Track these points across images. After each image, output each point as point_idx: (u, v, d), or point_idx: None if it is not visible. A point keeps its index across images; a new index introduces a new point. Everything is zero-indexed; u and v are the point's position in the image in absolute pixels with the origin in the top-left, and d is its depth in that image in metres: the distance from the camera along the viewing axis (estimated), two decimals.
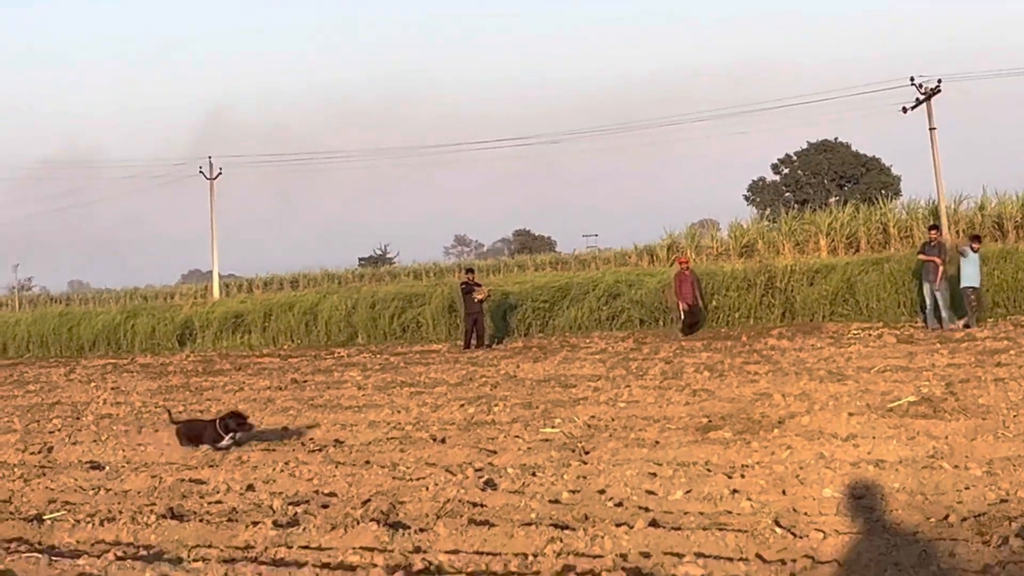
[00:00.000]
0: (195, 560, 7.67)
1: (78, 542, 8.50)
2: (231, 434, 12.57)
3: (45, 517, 9.45)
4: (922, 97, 40.57)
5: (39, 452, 13.55)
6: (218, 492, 10.39)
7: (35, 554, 7.99)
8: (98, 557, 7.72)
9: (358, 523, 8.48)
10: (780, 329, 27.51)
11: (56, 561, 7.65)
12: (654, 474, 9.74)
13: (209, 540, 8.37)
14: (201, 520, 9.06)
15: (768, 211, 67.71)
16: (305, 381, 21.77)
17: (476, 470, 10.58)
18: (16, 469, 12.34)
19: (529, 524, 8.15)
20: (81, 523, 9.03)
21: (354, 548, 7.75)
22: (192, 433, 13.01)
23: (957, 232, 35.60)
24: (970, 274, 24.00)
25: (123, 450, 13.33)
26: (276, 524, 8.56)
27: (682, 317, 27.08)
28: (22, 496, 10.63)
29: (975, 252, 24.47)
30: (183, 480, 11.21)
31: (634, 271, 37.39)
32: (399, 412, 15.61)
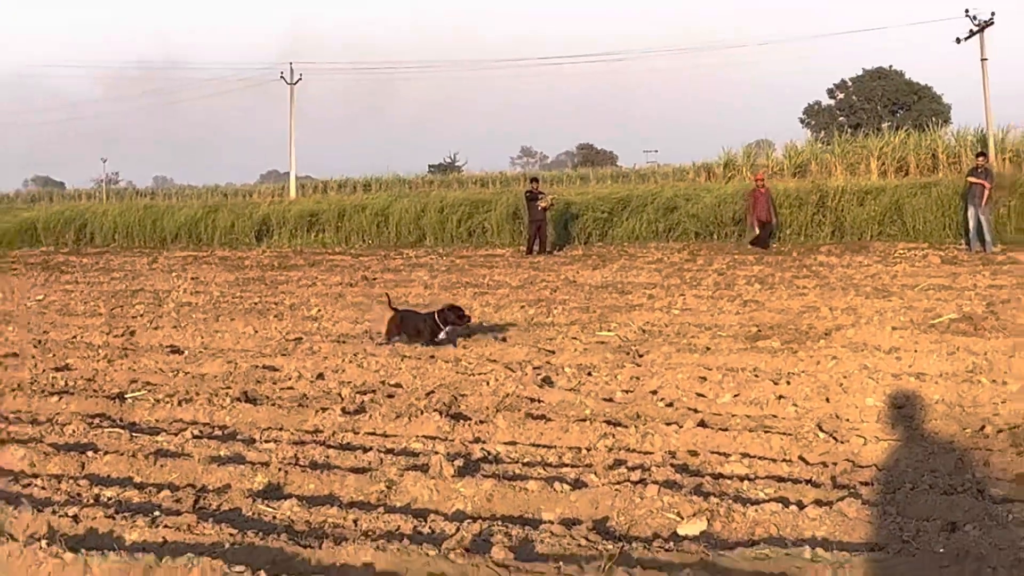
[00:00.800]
0: (267, 441, 7.94)
1: (157, 420, 8.87)
2: (448, 327, 11.97)
3: (127, 396, 9.79)
4: (976, 29, 39.81)
5: (122, 335, 13.89)
6: (290, 379, 10.60)
7: (117, 429, 8.37)
8: (176, 435, 8.08)
9: (421, 413, 8.64)
10: (829, 247, 27.35)
11: (136, 437, 8.02)
12: (704, 378, 9.85)
13: (280, 423, 8.66)
14: (273, 404, 9.33)
15: (822, 134, 67.24)
16: (375, 279, 22.01)
17: (535, 368, 10.68)
18: (100, 350, 12.71)
19: (583, 420, 8.34)
20: (160, 403, 9.37)
21: (417, 436, 7.97)
22: (409, 322, 12.37)
23: (1004, 160, 34.84)
24: None
25: (201, 336, 13.66)
26: (344, 411, 8.77)
27: (756, 231, 26.84)
28: (106, 375, 10.96)
29: None
30: (257, 367, 11.42)
31: (691, 186, 37.23)
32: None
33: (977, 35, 39.72)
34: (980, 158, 26.06)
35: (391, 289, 18.54)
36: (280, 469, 7.12)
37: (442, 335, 11.88)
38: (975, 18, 39.47)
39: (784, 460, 7.04)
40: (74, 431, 8.32)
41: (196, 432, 8.43)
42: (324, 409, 9.25)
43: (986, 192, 23.50)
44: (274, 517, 6.11)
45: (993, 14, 39.50)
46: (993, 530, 5.25)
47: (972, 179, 24.16)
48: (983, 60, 39.75)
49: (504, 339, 12.75)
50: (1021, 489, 6.37)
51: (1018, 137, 37.76)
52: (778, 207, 29.07)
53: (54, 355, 12.69)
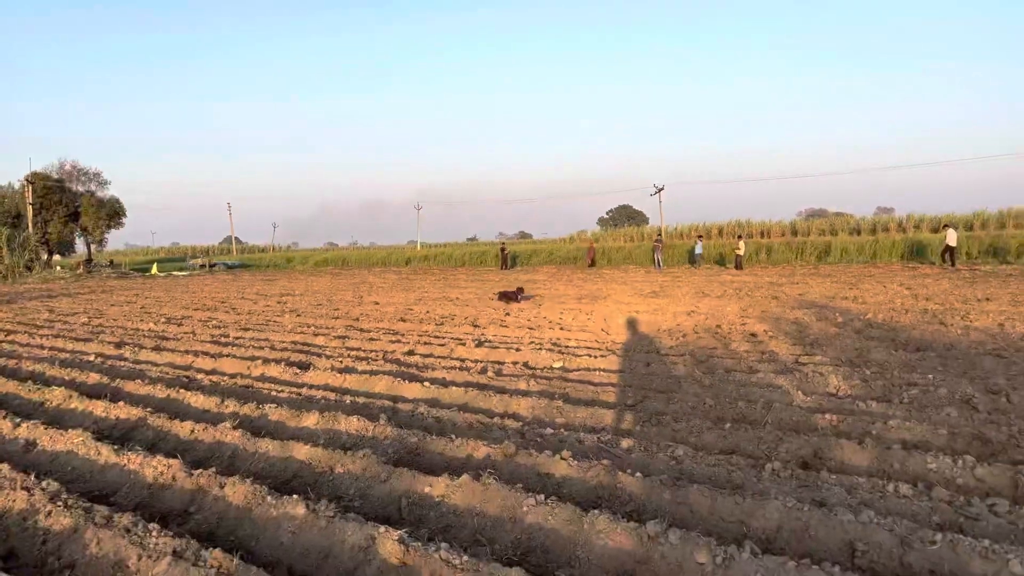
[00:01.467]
0: (408, 333, 11.82)
1: (374, 327, 13.15)
2: (520, 295, 17.93)
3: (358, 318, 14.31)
4: (658, 189, 51.21)
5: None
6: (414, 313, 15.38)
7: (356, 331, 12.59)
8: (374, 331, 12.34)
9: (462, 324, 12.79)
10: (615, 269, 34.18)
11: (363, 332, 12.24)
12: (562, 313, 14.29)
13: (413, 329, 12.60)
14: (411, 322, 13.53)
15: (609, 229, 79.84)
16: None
17: (505, 312, 15.50)
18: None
19: (520, 327, 12.36)
20: (377, 319, 13.81)
21: (460, 334, 11.89)
22: (505, 294, 18.28)
23: (671, 238, 46.05)
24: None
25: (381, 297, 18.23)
26: (435, 324, 13.12)
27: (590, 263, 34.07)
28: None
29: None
30: (401, 311, 16.39)
31: (562, 244, 43.67)
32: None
33: (658, 192, 50.54)
34: (658, 236, 36.62)
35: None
36: (415, 344, 10.90)
37: (519, 298, 17.55)
38: (657, 186, 50.48)
39: (592, 342, 10.74)
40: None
41: (385, 329, 12.41)
42: (422, 322, 13.41)
43: (662, 246, 33.74)
44: (410, 360, 9.54)
45: (663, 187, 50.88)
46: (656, 364, 8.84)
47: (656, 243, 34.59)
48: (660, 201, 50.62)
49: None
50: (670, 351, 9.97)
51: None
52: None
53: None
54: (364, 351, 10.54)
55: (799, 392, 6.79)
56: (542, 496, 4.07)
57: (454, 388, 7.46)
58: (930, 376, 7.27)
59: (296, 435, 5.91)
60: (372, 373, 8.58)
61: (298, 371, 8.88)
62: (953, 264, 25.17)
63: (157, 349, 11.19)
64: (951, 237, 25.62)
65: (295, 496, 4.15)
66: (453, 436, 5.45)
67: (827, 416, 5.74)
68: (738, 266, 30.67)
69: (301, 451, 5.16)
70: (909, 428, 5.33)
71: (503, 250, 40.13)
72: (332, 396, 7.42)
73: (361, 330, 12.88)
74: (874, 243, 33.43)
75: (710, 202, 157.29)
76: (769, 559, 3.22)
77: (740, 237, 34.01)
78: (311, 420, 6.16)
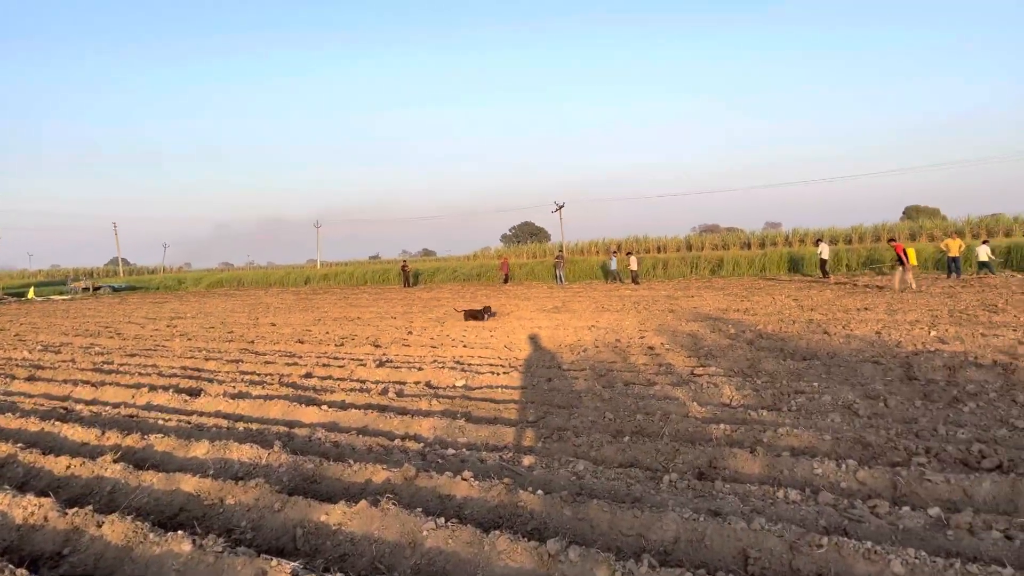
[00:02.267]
0: (307, 355, 11.59)
1: (270, 349, 12.65)
2: (487, 314, 16.99)
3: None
4: (559, 206, 53.60)
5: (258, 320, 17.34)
6: (316, 337, 14.85)
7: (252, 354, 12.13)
8: (269, 352, 12.08)
9: (362, 344, 12.56)
10: (517, 285, 34.76)
11: (258, 355, 11.91)
12: (465, 330, 14.36)
13: (314, 351, 12.29)
14: (311, 343, 13.31)
15: (515, 244, 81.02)
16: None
17: (408, 331, 15.22)
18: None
19: (422, 345, 12.26)
20: (276, 341, 13.24)
21: (360, 353, 11.71)
22: (471, 312, 17.29)
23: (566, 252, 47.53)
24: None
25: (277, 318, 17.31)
26: (335, 344, 12.82)
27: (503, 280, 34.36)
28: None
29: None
30: (301, 332, 15.77)
31: (461, 261, 43.56)
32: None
33: (559, 209, 52.74)
34: (559, 252, 37.69)
35: None
36: (313, 366, 10.59)
37: (486, 318, 16.75)
38: (558, 203, 52.48)
39: (495, 359, 10.74)
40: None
41: (281, 351, 12.19)
42: (321, 343, 13.11)
43: (563, 262, 34.62)
44: (307, 383, 9.37)
45: (564, 204, 53.21)
46: (558, 379, 8.98)
47: (557, 259, 35.16)
48: (561, 218, 52.70)
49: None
50: (571, 365, 9.99)
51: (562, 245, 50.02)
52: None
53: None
54: (259, 375, 10.20)
55: (695, 403, 6.97)
56: (442, 519, 3.99)
57: (353, 411, 7.29)
58: (815, 384, 7.61)
59: (184, 466, 5.61)
60: (267, 398, 8.29)
61: (188, 398, 8.51)
62: (825, 275, 26.58)
63: (31, 379, 10.48)
64: (824, 251, 27.08)
65: (181, 532, 3.92)
66: (351, 461, 5.30)
67: (721, 426, 5.91)
68: (634, 280, 31.45)
69: (189, 483, 4.90)
70: (797, 435, 5.55)
71: (404, 268, 39.71)
72: (224, 423, 7.12)
73: (256, 353, 12.47)
74: (763, 257, 34.97)
75: (610, 218, 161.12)
76: (667, 572, 3.26)
77: (630, 253, 34.96)
78: (201, 450, 5.87)
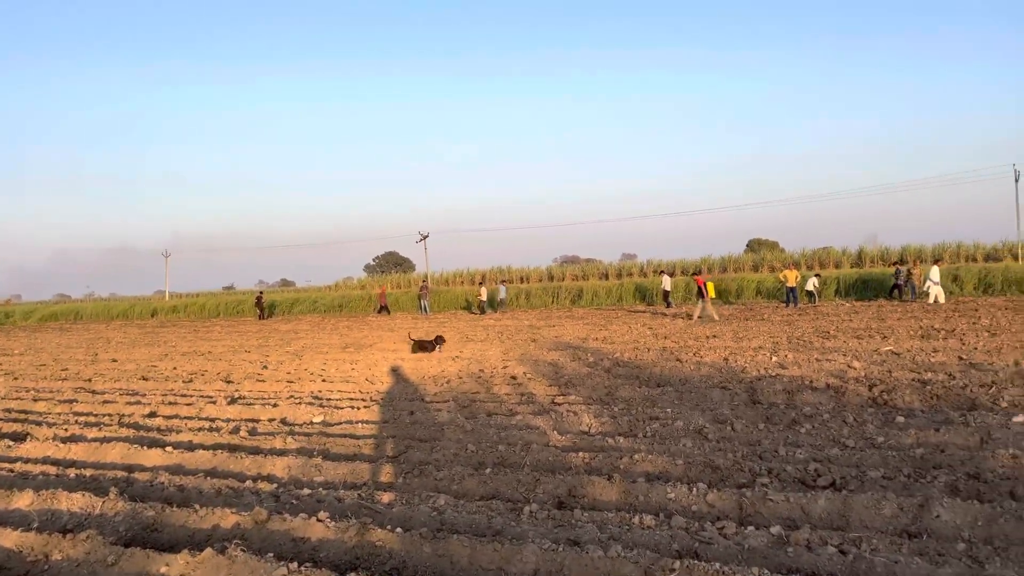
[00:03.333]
0: (151, 392, 10.92)
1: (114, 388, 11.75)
2: (438, 344, 15.57)
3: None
4: (423, 236, 53.86)
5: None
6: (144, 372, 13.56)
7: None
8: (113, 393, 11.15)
9: (213, 381, 12.02)
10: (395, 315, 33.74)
11: (106, 394, 10.91)
12: (324, 365, 13.88)
13: (156, 388, 11.53)
14: (155, 379, 12.40)
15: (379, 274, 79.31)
16: None
17: (254, 364, 14.78)
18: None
19: (278, 380, 11.89)
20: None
21: (211, 390, 11.14)
22: (421, 343, 15.86)
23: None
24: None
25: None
26: (183, 382, 12.10)
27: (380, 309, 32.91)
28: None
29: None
30: (146, 368, 14.41)
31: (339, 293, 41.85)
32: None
33: (424, 239, 52.88)
34: (424, 282, 36.31)
35: None
36: (158, 405, 9.98)
37: (437, 349, 15.53)
38: (423, 233, 52.76)
39: (355, 393, 10.53)
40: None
41: (123, 390, 11.28)
42: (168, 380, 12.35)
43: (428, 292, 34.93)
44: (151, 423, 8.86)
45: (428, 234, 53.40)
46: (420, 412, 8.92)
47: (422, 289, 34.62)
48: (425, 248, 53.13)
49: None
50: (435, 397, 9.97)
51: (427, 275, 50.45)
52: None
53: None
54: (96, 415, 9.49)
55: (555, 432, 7.07)
56: (295, 563, 3.82)
57: (201, 451, 6.88)
58: (669, 410, 7.92)
59: (4, 520, 5.07)
60: (104, 440, 7.72)
61: (11, 443, 7.83)
62: (668, 305, 27.93)
63: None
64: (666, 282, 28.53)
65: None
66: (198, 506, 4.96)
67: (580, 454, 6.02)
68: (489, 309, 31.86)
69: (9, 538, 4.44)
70: (652, 461, 5.73)
71: (259, 299, 38.07)
72: (53, 470, 6.55)
73: (94, 392, 11.59)
74: (620, 287, 36.28)
75: (474, 249, 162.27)
76: None
77: (481, 284, 35.47)
78: (24, 500, 5.34)
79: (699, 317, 21.23)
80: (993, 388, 8.23)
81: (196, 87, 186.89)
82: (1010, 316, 16.98)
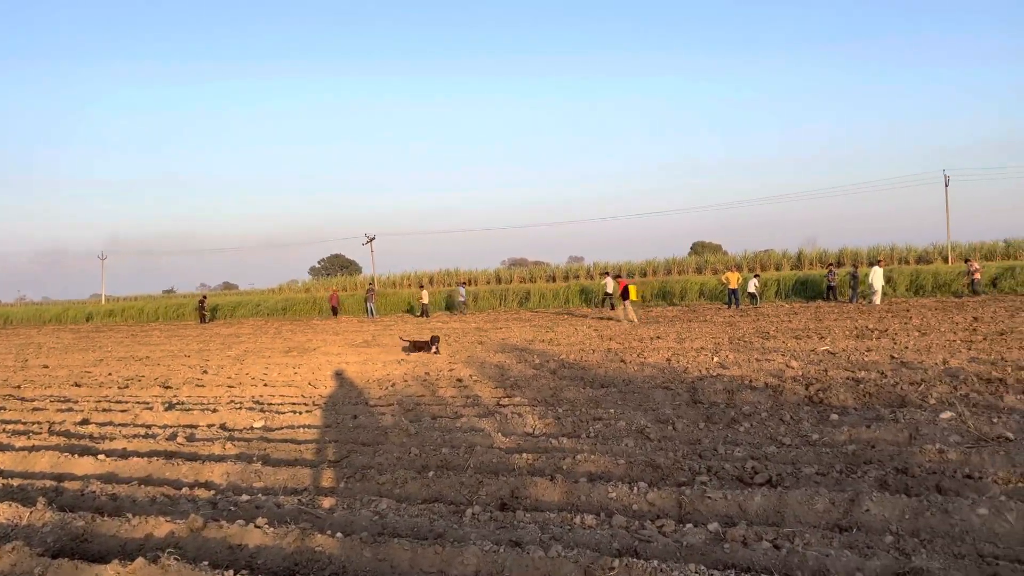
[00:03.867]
0: (80, 399, 10.54)
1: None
2: (435, 345, 15.21)
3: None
4: (369, 239, 54.24)
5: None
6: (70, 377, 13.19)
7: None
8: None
9: (150, 386, 11.68)
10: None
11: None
12: (267, 369, 13.70)
13: (89, 395, 11.22)
14: (91, 386, 11.99)
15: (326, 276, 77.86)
16: None
17: (191, 366, 14.42)
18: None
19: (219, 385, 11.71)
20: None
21: (146, 396, 10.94)
22: (417, 342, 15.68)
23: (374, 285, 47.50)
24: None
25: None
26: (119, 387, 11.62)
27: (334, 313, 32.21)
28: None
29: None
30: (127, 360, 13.78)
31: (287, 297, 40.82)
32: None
33: (370, 242, 52.95)
34: (371, 285, 36.78)
35: None
36: (91, 412, 9.77)
37: (434, 349, 15.22)
38: (369, 235, 52.66)
39: (296, 397, 10.48)
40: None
41: (54, 396, 10.77)
42: (102, 386, 11.93)
43: (374, 295, 34.58)
44: (83, 431, 8.59)
45: (374, 236, 53.47)
46: (364, 416, 8.81)
47: (368, 292, 34.43)
48: (372, 250, 52.78)
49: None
50: (379, 401, 9.82)
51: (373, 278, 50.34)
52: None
53: None
54: (25, 423, 9.19)
55: (499, 434, 7.09)
56: (231, 571, 3.74)
57: (135, 459, 6.70)
58: (612, 410, 8.00)
59: None
60: (33, 449, 7.47)
61: None
62: (612, 308, 28.26)
63: None
64: (609, 285, 28.85)
65: None
66: (131, 515, 4.83)
67: (524, 455, 6.04)
68: (425, 314, 31.90)
69: None
70: (594, 460, 5.78)
71: (202, 303, 37.28)
72: None
73: (23, 399, 11.20)
74: (566, 289, 36.49)
75: (422, 251, 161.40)
76: None
77: (422, 287, 35.50)
78: None
79: (624, 320, 21.62)
80: (922, 386, 8.51)
81: (133, 88, 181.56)
82: (939, 316, 17.61)
